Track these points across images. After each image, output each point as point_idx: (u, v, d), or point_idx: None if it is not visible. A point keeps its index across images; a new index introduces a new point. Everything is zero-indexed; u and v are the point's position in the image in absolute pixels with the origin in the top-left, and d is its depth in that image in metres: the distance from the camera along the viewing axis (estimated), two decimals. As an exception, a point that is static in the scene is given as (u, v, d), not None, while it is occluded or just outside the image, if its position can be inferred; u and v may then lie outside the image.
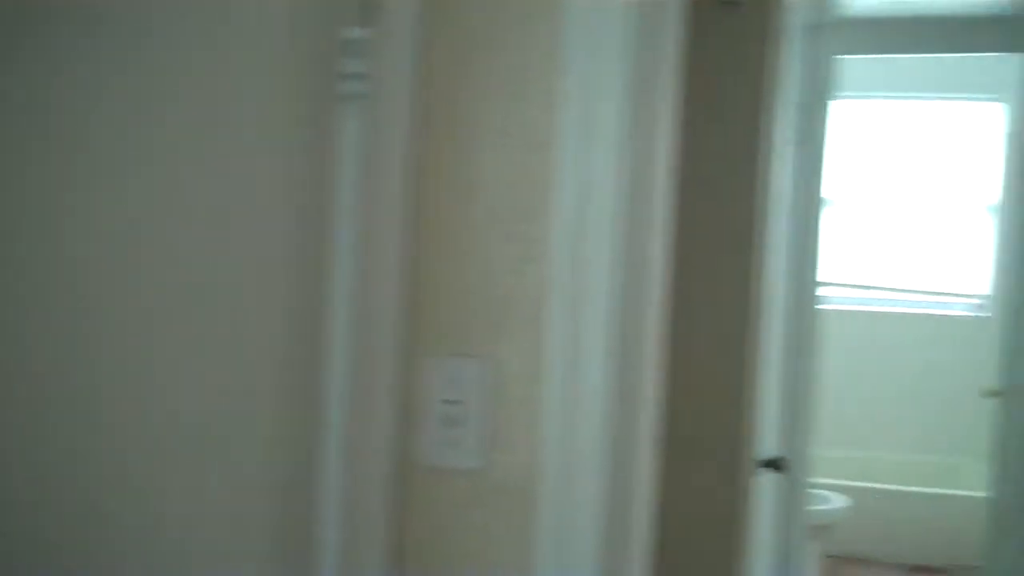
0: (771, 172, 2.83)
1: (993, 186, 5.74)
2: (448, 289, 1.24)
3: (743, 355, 2.74)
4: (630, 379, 1.27)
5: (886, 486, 5.29)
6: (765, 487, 3.29)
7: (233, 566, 1.18)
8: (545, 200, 1.21)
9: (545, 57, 1.22)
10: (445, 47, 1.25)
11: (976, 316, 5.75)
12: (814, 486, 4.63)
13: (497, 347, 1.22)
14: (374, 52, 1.22)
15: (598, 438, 1.21)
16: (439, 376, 1.24)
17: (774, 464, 3.02)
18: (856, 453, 5.71)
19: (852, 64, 4.91)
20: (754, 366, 2.82)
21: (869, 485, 5.21)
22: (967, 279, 5.87)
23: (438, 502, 1.25)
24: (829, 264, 5.76)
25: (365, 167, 1.22)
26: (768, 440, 3.23)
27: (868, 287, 5.97)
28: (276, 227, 1.17)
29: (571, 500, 1.22)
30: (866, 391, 5.81)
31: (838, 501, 4.73)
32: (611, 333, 1.22)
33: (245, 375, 1.18)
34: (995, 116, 5.77)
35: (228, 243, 1.18)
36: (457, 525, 1.24)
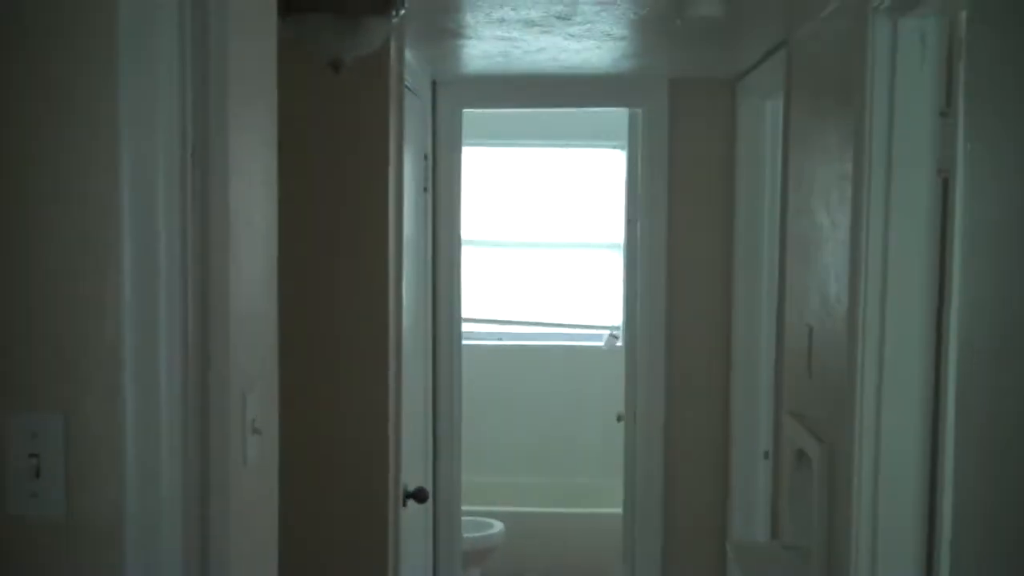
0: (401, 216, 2.98)
1: (617, 224, 6.30)
2: (25, 344, 1.27)
3: (385, 389, 2.86)
4: (220, 415, 1.37)
5: (536, 509, 5.60)
6: (417, 517, 3.43)
7: None
8: (108, 259, 1.27)
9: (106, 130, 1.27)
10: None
11: (611, 346, 6.24)
12: (469, 513, 4.85)
13: (77, 399, 1.27)
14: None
15: (180, 481, 1.32)
16: (19, 429, 1.27)
17: (417, 495, 3.16)
18: (508, 479, 6.01)
19: (488, 116, 5.26)
20: (398, 400, 2.95)
21: (521, 509, 5.49)
22: (603, 312, 6.38)
23: (25, 552, 1.28)
24: (472, 301, 6.13)
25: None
26: (414, 471, 3.38)
27: (509, 322, 6.34)
28: None
29: (157, 542, 1.28)
30: (513, 421, 6.13)
31: (496, 526, 4.98)
32: (189, 377, 1.32)
33: None
34: (617, 159, 6.35)
35: None
36: (46, 572, 1.27)
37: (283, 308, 1.78)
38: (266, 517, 1.69)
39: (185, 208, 1.33)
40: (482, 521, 4.98)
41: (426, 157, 3.65)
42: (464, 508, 4.51)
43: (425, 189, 3.67)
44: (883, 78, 1.94)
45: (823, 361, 2.33)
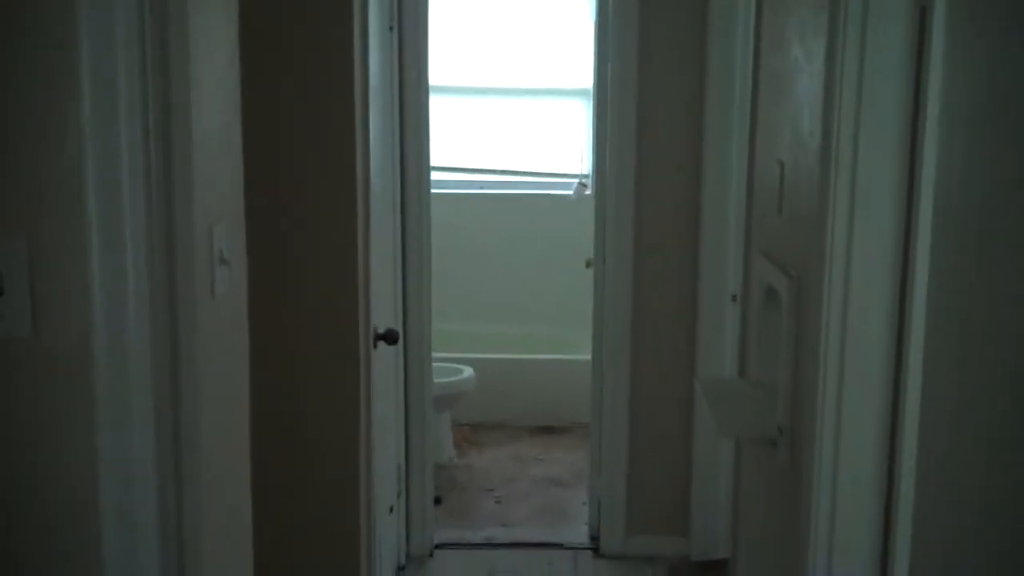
0: (368, 57, 2.90)
1: (586, 71, 6.19)
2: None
3: (354, 234, 2.84)
4: (186, 248, 1.34)
5: (506, 356, 5.67)
6: (388, 360, 3.46)
7: None
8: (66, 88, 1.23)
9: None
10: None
11: (579, 195, 6.22)
12: (439, 359, 4.91)
13: (39, 220, 1.24)
14: None
15: (148, 305, 1.30)
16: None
17: (388, 336, 3.17)
18: (478, 328, 6.06)
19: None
20: (366, 242, 2.93)
21: (491, 356, 5.56)
22: (572, 160, 6.33)
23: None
24: (440, 149, 6.05)
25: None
26: (384, 315, 3.39)
27: (476, 170, 6.29)
28: None
29: (126, 364, 1.27)
30: (482, 270, 6.15)
31: (466, 372, 5.05)
32: (154, 204, 1.29)
33: None
34: (583, 5, 6.19)
35: None
36: (9, 393, 1.27)
37: (249, 149, 1.74)
38: (236, 346, 1.69)
39: (144, 35, 1.27)
40: (452, 367, 5.04)
41: (391, -5, 3.53)
42: (434, 355, 4.55)
43: (391, 28, 3.56)
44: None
45: (794, 197, 2.32)
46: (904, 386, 1.95)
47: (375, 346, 3.12)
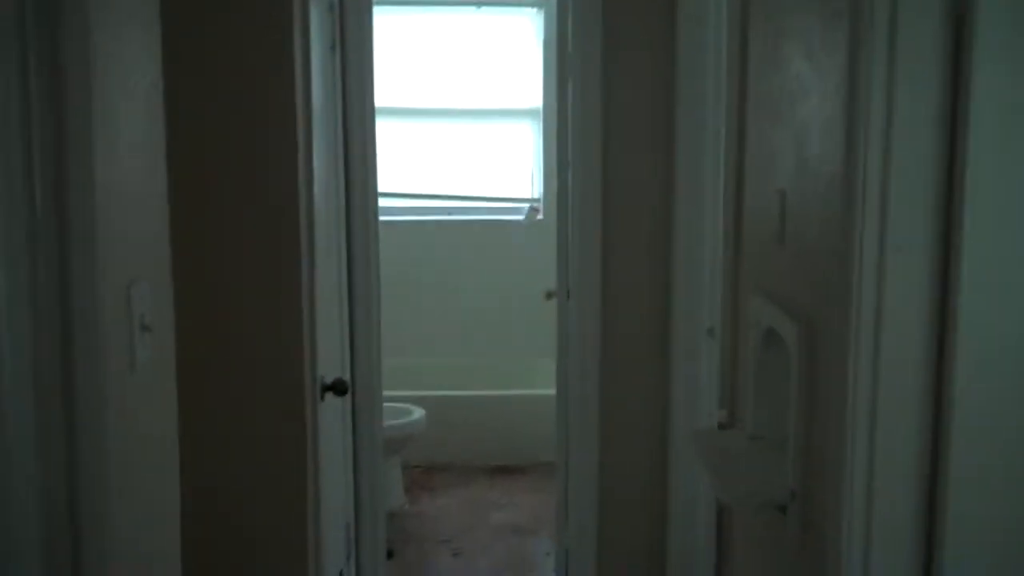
0: (311, 79, 2.60)
1: (534, 92, 5.93)
2: None
3: (297, 280, 2.53)
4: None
5: (458, 392, 5.37)
6: (335, 407, 3.14)
7: None
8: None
9: None
10: None
11: (531, 220, 5.95)
12: (389, 399, 4.61)
13: None
14: None
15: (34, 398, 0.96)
16: None
17: (336, 387, 2.87)
18: (428, 361, 5.76)
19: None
20: (311, 285, 2.62)
21: (442, 393, 5.26)
22: (521, 185, 6.05)
23: None
24: (384, 174, 5.70)
25: None
26: (331, 361, 3.06)
27: (421, 196, 5.98)
28: None
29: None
30: (432, 300, 5.85)
31: (416, 413, 4.73)
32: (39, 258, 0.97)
33: None
34: (529, 26, 5.94)
35: None
36: None
37: (174, 190, 1.43)
38: (162, 432, 1.38)
39: (25, 58, 0.96)
40: (401, 407, 4.72)
41: (332, 8, 3.23)
42: (385, 393, 4.25)
43: (333, 47, 3.26)
44: None
45: (800, 231, 2.06)
46: (947, 447, 1.69)
47: (322, 398, 2.81)
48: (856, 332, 1.73)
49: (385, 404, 4.52)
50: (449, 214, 5.96)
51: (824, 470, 1.87)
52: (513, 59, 5.96)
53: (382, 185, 5.86)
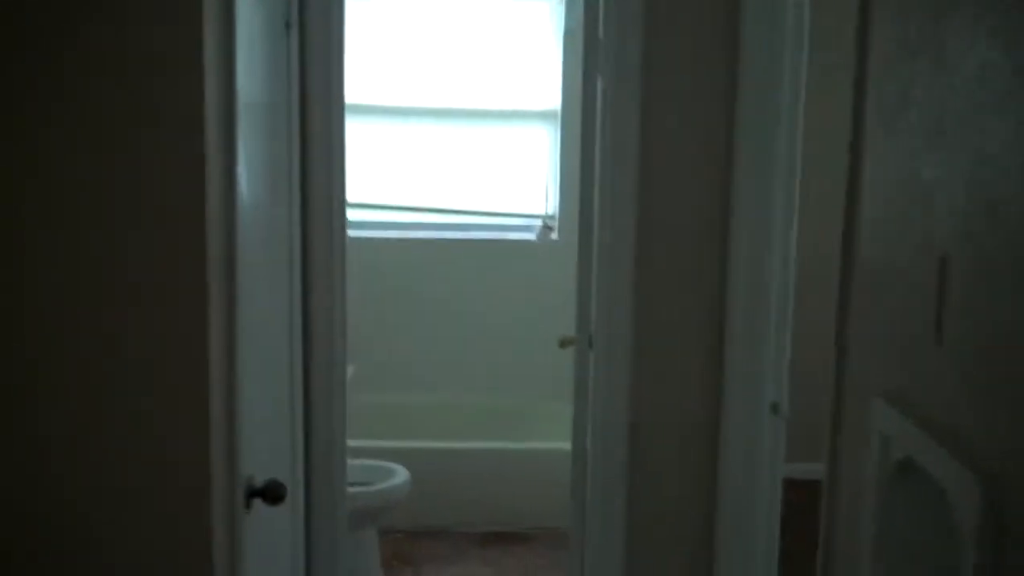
0: (235, 64, 1.82)
1: (551, 91, 5.14)
2: None
3: (203, 343, 1.75)
4: None
5: (450, 444, 4.58)
6: (279, 514, 2.35)
7: None
8: None
9: None
10: None
11: (543, 240, 5.17)
12: (364, 451, 3.86)
13: None
14: None
15: None
16: None
17: (268, 492, 2.08)
18: (416, 401, 5.01)
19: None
20: (230, 353, 1.83)
21: (430, 445, 4.49)
22: (532, 199, 5.26)
23: None
24: (370, 182, 4.94)
25: None
26: (262, 455, 2.25)
27: (414, 209, 5.18)
28: None
29: None
30: (425, 331, 5.10)
31: (399, 476, 3.93)
32: None
33: None
34: (546, 14, 5.15)
35: None
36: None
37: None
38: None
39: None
40: (381, 466, 3.92)
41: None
42: (359, 444, 3.50)
43: (287, 25, 2.48)
44: None
45: (980, 320, 1.26)
46: None
47: (248, 507, 2.01)
48: None
49: (362, 461, 3.77)
50: (447, 231, 5.17)
51: None
52: (525, 52, 5.16)
53: (366, 197, 5.16)
